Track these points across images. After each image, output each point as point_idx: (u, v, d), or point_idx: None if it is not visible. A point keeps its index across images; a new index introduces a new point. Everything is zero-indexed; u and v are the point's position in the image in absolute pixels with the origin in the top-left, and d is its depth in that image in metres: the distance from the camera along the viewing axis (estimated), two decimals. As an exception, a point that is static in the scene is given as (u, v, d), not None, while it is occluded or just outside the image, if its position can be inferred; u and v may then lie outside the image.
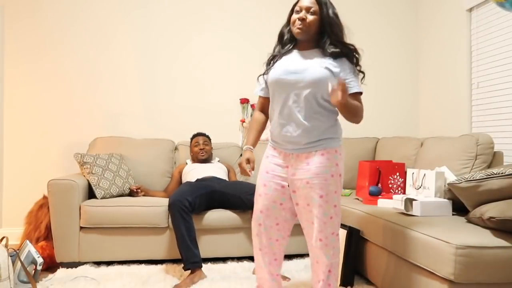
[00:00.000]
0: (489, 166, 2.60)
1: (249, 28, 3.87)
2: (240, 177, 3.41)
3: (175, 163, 3.55)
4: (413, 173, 2.64)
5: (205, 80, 3.85)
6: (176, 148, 3.62)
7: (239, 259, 2.99)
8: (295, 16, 1.89)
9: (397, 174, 2.96)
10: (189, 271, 2.59)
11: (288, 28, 1.95)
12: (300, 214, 1.92)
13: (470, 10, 3.36)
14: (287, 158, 1.91)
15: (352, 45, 1.90)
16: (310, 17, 1.86)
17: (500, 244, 1.78)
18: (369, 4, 4.07)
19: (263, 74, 2.00)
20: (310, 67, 1.83)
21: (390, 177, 2.95)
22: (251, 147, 2.01)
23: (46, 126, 3.66)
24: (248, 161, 1.96)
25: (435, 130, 3.79)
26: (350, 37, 1.92)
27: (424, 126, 4.03)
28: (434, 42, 3.85)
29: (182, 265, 2.61)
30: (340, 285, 2.44)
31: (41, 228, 3.01)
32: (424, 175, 2.52)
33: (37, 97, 3.65)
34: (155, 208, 2.88)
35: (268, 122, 2.06)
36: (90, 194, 3.04)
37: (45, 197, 3.11)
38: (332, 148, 1.87)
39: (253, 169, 1.96)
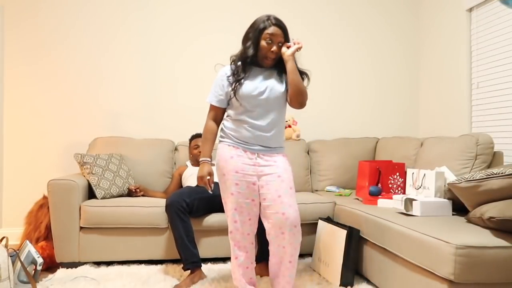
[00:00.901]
0: (489, 166, 2.60)
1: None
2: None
3: (175, 163, 3.55)
4: (413, 173, 2.64)
5: (205, 81, 3.83)
6: (176, 149, 3.61)
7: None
8: (266, 46, 2.07)
9: (397, 174, 2.96)
10: (189, 271, 2.59)
11: (253, 52, 2.08)
12: (270, 207, 2.06)
13: (470, 10, 3.37)
14: (252, 157, 2.12)
15: (306, 72, 2.17)
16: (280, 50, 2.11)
17: (500, 244, 1.78)
18: (369, 4, 4.07)
19: (233, 93, 2.10)
20: (274, 84, 2.12)
21: (390, 177, 2.95)
22: (209, 160, 2.19)
23: (46, 126, 3.66)
24: (209, 174, 2.13)
25: (435, 130, 3.79)
26: (299, 61, 2.14)
27: (424, 126, 4.03)
28: (434, 42, 3.85)
29: (182, 265, 2.61)
30: (340, 285, 2.44)
31: (41, 228, 3.01)
32: (424, 175, 2.52)
33: (37, 97, 3.65)
34: (155, 208, 2.87)
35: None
36: (90, 194, 3.04)
37: (45, 197, 3.11)
38: (285, 153, 2.21)
39: (212, 182, 2.16)
